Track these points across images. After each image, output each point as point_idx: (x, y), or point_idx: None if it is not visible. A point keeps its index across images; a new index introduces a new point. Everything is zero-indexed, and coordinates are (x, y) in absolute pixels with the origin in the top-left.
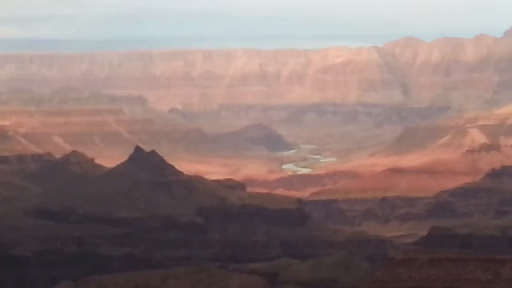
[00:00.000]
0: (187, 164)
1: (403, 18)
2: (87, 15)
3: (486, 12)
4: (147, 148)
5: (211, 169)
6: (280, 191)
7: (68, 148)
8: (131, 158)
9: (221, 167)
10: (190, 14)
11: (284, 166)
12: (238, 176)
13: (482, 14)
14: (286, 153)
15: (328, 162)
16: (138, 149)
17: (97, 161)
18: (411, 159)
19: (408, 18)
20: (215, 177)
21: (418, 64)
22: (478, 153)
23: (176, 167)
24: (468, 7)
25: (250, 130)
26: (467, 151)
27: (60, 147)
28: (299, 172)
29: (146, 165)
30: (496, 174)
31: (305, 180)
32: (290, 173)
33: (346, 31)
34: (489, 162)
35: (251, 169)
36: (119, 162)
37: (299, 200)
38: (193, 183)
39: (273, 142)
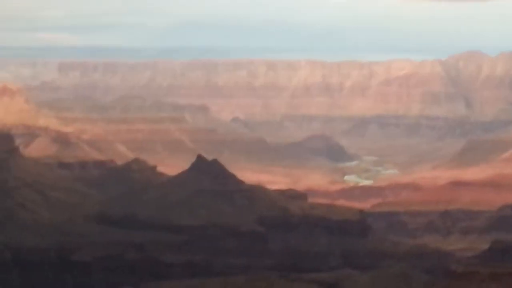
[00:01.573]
0: (249, 174)
1: (467, 31)
2: (151, 24)
3: None
4: (209, 157)
5: (273, 179)
6: (341, 202)
7: (130, 155)
8: (193, 166)
9: (283, 177)
10: (254, 25)
11: (346, 177)
12: (299, 186)
13: None
14: (348, 164)
15: (390, 174)
16: (200, 157)
17: (159, 168)
18: (474, 172)
19: (472, 31)
20: (276, 187)
21: (482, 77)
22: None
23: (238, 176)
24: None
25: (312, 141)
26: None
27: (122, 154)
28: (361, 184)
29: (208, 173)
30: None
31: (367, 191)
32: (351, 184)
33: (409, 43)
34: None
35: (313, 179)
36: (181, 170)
37: (360, 211)
38: (255, 193)
39: (335, 153)
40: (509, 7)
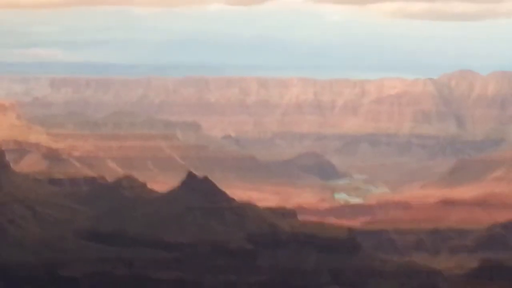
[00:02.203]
0: (239, 191)
1: (459, 50)
2: (144, 41)
3: None
4: (200, 174)
5: (263, 196)
6: (331, 220)
7: (121, 172)
8: (184, 183)
9: (273, 194)
10: (246, 42)
11: (336, 195)
12: (289, 204)
13: None
14: (338, 182)
15: (380, 193)
16: (190, 174)
17: (149, 185)
18: (464, 192)
19: (464, 51)
20: (267, 205)
21: (473, 97)
22: None
23: (229, 193)
24: None
25: (303, 159)
26: None
27: (113, 170)
28: (351, 202)
29: (198, 191)
30: None
31: (357, 209)
32: (341, 202)
33: (401, 62)
34: None
35: (303, 197)
36: (171, 187)
37: (350, 229)
38: (245, 210)
39: (325, 171)
40: (500, 27)
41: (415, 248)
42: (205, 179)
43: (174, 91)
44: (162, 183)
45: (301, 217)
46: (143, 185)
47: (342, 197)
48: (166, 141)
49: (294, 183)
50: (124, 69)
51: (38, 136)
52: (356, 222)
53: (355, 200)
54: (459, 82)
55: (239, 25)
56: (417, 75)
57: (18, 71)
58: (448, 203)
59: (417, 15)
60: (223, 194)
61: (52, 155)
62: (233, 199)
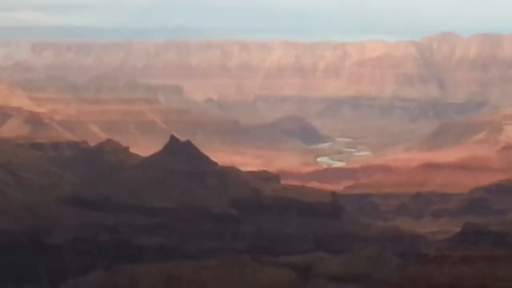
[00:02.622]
0: (222, 155)
1: (441, 12)
2: (125, 4)
3: None
4: (182, 138)
5: (246, 160)
6: (314, 184)
7: (103, 136)
8: (166, 148)
9: (255, 158)
10: (227, 6)
11: (318, 159)
12: (272, 168)
13: None
14: (321, 146)
15: (362, 156)
16: (173, 139)
17: (132, 150)
18: (446, 155)
19: (446, 13)
20: (249, 169)
21: (455, 59)
22: None
23: (211, 158)
24: (507, 3)
25: (285, 122)
26: (503, 147)
27: (95, 135)
28: (334, 165)
29: (180, 155)
30: None
31: (339, 173)
32: (324, 166)
33: (383, 25)
34: None
35: (286, 161)
36: (154, 152)
37: (333, 193)
38: (227, 174)
39: (308, 134)
40: None
41: (398, 212)
42: (188, 143)
43: (156, 55)
44: (145, 147)
45: (283, 181)
46: (126, 149)
47: (324, 161)
48: (148, 105)
49: (277, 147)
50: (106, 33)
51: (20, 100)
52: (339, 186)
53: (337, 163)
54: (441, 44)
55: None
56: (399, 37)
57: None
58: (430, 167)
59: None
60: (206, 158)
61: (34, 120)
62: (215, 163)
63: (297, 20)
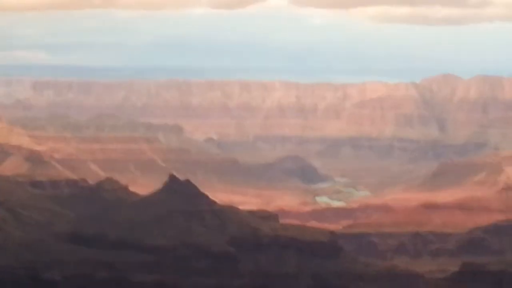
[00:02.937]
0: (221, 194)
1: (441, 55)
2: (126, 44)
3: None
4: (181, 177)
5: (245, 199)
6: (313, 223)
7: (103, 174)
8: (166, 186)
9: (255, 198)
10: (229, 46)
11: (317, 198)
12: (271, 207)
13: None
14: (320, 185)
15: (361, 196)
16: (172, 177)
17: (131, 188)
18: (445, 195)
19: (446, 55)
20: (248, 208)
21: (455, 100)
22: None
23: (210, 197)
24: (507, 45)
25: (285, 162)
26: (502, 188)
27: (95, 173)
28: (333, 205)
29: (180, 194)
30: None
31: (338, 213)
32: (323, 206)
33: (384, 66)
34: None
35: (285, 200)
36: (153, 190)
37: (331, 232)
38: (227, 213)
39: (308, 174)
40: (482, 32)
41: (396, 251)
42: (187, 182)
43: (157, 94)
44: (144, 186)
45: (282, 220)
46: (125, 188)
47: (323, 200)
48: (148, 144)
49: (276, 186)
50: (107, 72)
51: (20, 139)
52: (338, 226)
53: (337, 203)
54: (441, 86)
55: (223, 29)
56: (400, 79)
57: (0, 74)
58: (429, 207)
59: (400, 19)
60: (205, 197)
61: (34, 158)
62: (214, 202)
63: (298, 61)
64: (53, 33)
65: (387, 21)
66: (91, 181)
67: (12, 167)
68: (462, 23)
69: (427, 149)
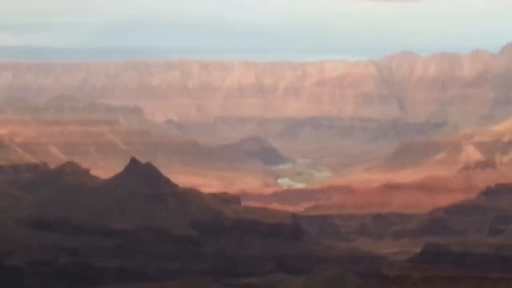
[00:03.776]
0: (182, 177)
1: (400, 31)
2: (84, 24)
3: (483, 27)
4: (142, 160)
5: (206, 182)
6: (275, 206)
7: (63, 158)
8: (127, 169)
9: (216, 180)
10: (187, 25)
11: (279, 180)
12: (233, 190)
13: (480, 29)
14: (282, 167)
15: (323, 177)
16: (133, 160)
17: (92, 171)
18: (406, 175)
19: (405, 32)
20: (210, 190)
21: (415, 78)
22: (474, 170)
23: (172, 179)
24: (466, 22)
25: (246, 143)
26: (462, 168)
27: (55, 157)
28: (294, 187)
29: (141, 176)
30: (491, 192)
31: (300, 194)
32: (285, 188)
33: (343, 44)
34: (484, 179)
35: (246, 182)
36: (114, 173)
37: (294, 215)
38: (188, 196)
39: (268, 155)
40: (441, 7)
41: (359, 233)
42: (148, 165)
43: (115, 75)
44: (105, 169)
45: (244, 203)
46: (86, 172)
47: (285, 182)
48: (108, 126)
49: (237, 168)
50: (65, 53)
51: None
52: (300, 208)
53: (298, 185)
54: (400, 63)
55: (180, 7)
56: (359, 57)
57: None
58: (390, 187)
59: None
60: (166, 179)
61: None
62: (176, 185)
63: (257, 39)
64: (10, 13)
65: None
66: (52, 165)
67: None
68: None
69: (388, 128)
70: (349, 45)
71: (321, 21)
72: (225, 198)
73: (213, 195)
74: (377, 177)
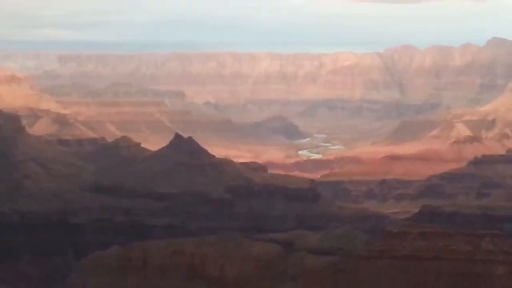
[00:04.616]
0: (218, 149)
1: (401, 28)
2: (135, 22)
3: (472, 24)
4: (185, 135)
5: (238, 153)
6: (295, 173)
7: (118, 133)
8: (171, 143)
9: (246, 152)
10: (221, 24)
11: (299, 152)
12: (260, 160)
13: (469, 26)
14: (301, 141)
15: (336, 149)
16: (177, 135)
17: (143, 145)
18: (407, 148)
19: (405, 28)
20: (241, 160)
21: (413, 68)
22: (463, 144)
23: (209, 151)
24: (457, 20)
25: (271, 122)
26: (454, 142)
27: (112, 132)
28: (312, 158)
29: (184, 149)
30: (478, 162)
31: (317, 164)
32: (304, 158)
33: (353, 39)
34: (472, 151)
35: (272, 154)
36: (161, 147)
37: (311, 181)
38: (223, 165)
39: (290, 131)
40: (436, 8)
41: (366, 196)
42: (189, 139)
43: (162, 65)
44: (153, 143)
45: (270, 171)
46: (137, 145)
47: (304, 154)
48: (156, 107)
49: (264, 142)
50: (119, 47)
51: (48, 104)
52: (317, 175)
53: (315, 156)
54: (401, 55)
55: (217, 8)
56: (366, 49)
57: (30, 49)
58: (393, 158)
59: None
60: (205, 151)
61: (61, 120)
62: (213, 156)
63: (281, 35)
64: (74, 13)
65: (356, 0)
66: (109, 140)
67: (42, 128)
68: (419, 1)
69: (391, 109)
70: (358, 39)
71: (334, 19)
72: (254, 167)
73: (244, 164)
74: (381, 150)
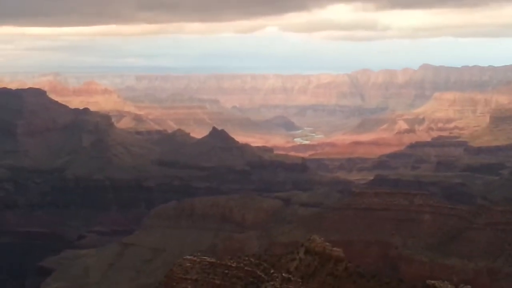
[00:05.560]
0: (240, 137)
1: (362, 57)
2: (187, 53)
3: (409, 54)
4: (219, 128)
5: (254, 140)
6: (292, 153)
7: (175, 127)
8: (210, 133)
9: (259, 139)
10: (243, 54)
11: (295, 139)
12: (269, 144)
13: (407, 55)
14: (296, 132)
15: (319, 138)
16: (214, 128)
17: (192, 135)
18: (366, 137)
19: (364, 57)
20: (256, 145)
21: (370, 83)
22: (403, 134)
23: (235, 139)
24: (397, 51)
25: (276, 119)
26: (397, 133)
27: (171, 126)
28: (303, 143)
29: (218, 137)
30: (412, 146)
31: (306, 147)
32: (298, 143)
33: (330, 65)
34: (409, 139)
35: (276, 141)
36: (203, 136)
37: (302, 158)
38: (244, 148)
39: (289, 126)
40: (386, 45)
41: (338, 168)
42: (222, 131)
43: (204, 82)
44: (198, 133)
45: (275, 152)
46: (188, 134)
47: (298, 140)
48: (200, 110)
49: (271, 133)
50: (176, 70)
51: (129, 107)
52: (306, 154)
53: (305, 142)
54: (362, 75)
55: (240, 43)
56: (339, 71)
57: (117, 71)
58: (356, 143)
59: (339, 38)
60: (232, 139)
61: (137, 118)
62: (237, 142)
63: (282, 62)
64: (147, 47)
65: (332, 39)
66: (169, 131)
67: (125, 123)
68: (375, 39)
69: (355, 111)
70: (334, 65)
71: (318, 51)
72: (264, 149)
73: (258, 147)
74: (349, 138)
